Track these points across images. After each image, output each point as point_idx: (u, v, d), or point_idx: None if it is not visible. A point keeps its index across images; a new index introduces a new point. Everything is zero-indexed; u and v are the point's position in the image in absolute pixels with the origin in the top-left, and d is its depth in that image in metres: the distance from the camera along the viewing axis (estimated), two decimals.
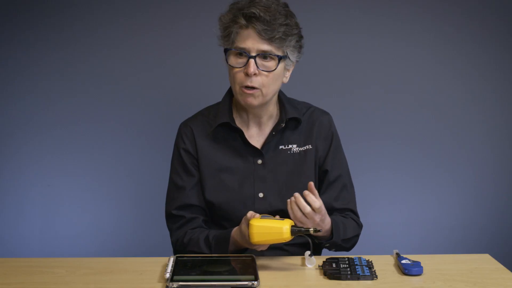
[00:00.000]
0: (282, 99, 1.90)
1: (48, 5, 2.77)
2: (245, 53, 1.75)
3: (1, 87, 2.81)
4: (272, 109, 1.89)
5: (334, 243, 1.79)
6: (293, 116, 1.88)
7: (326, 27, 2.81)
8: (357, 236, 1.88)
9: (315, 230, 1.60)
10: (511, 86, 2.87)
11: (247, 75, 1.75)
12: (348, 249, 1.87)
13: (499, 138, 2.88)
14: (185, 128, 1.92)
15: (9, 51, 2.79)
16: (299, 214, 1.64)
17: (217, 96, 1.97)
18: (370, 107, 2.85)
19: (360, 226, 1.91)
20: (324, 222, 1.71)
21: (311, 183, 1.66)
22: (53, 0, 2.78)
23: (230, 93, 1.92)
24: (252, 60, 1.75)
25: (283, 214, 1.76)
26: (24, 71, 2.80)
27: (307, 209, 1.64)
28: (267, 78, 1.77)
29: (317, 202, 1.64)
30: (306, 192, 1.64)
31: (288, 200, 1.65)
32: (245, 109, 1.87)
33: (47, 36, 2.78)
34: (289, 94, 1.95)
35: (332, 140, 1.92)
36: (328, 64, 2.83)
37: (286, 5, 1.80)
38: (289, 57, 1.80)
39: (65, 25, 2.78)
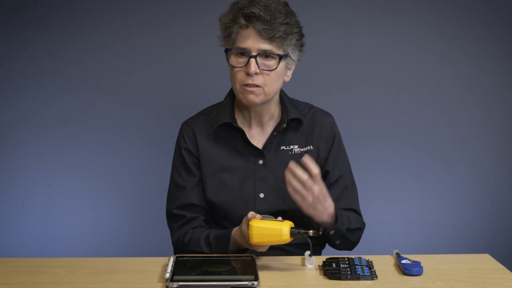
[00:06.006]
0: (284, 99, 1.91)
1: (46, 5, 2.77)
2: (246, 52, 1.76)
3: (0, 87, 2.81)
4: (274, 109, 1.89)
5: (339, 231, 1.76)
6: (295, 117, 1.88)
7: (326, 27, 2.81)
8: (360, 230, 1.87)
9: (315, 232, 1.60)
10: None
11: (248, 74, 1.76)
12: (353, 244, 1.85)
13: (500, 138, 2.88)
14: (187, 128, 1.92)
15: (9, 51, 2.79)
16: (297, 185, 1.64)
17: (219, 96, 1.97)
18: (370, 106, 2.85)
19: (363, 223, 1.90)
20: (326, 201, 1.70)
21: (306, 156, 1.65)
22: (51, 0, 2.78)
23: (232, 93, 1.92)
24: (252, 60, 1.75)
25: (284, 214, 1.76)
26: (24, 71, 2.80)
27: (305, 177, 1.63)
28: (268, 77, 1.78)
29: (315, 168, 1.64)
30: (304, 160, 1.64)
31: (286, 171, 1.65)
32: (247, 109, 1.87)
33: (47, 36, 2.78)
34: (289, 93, 1.95)
35: (333, 141, 1.92)
36: (328, 63, 2.83)
37: (286, 4, 1.80)
38: (290, 56, 1.80)
39: (66, 25, 2.78)
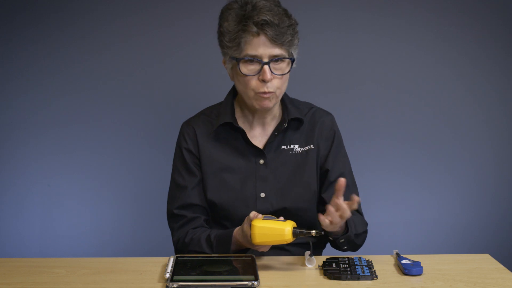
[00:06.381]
0: (284, 99, 1.91)
1: (46, 5, 2.77)
2: (258, 59, 1.75)
3: (0, 87, 2.81)
4: (276, 110, 1.89)
5: (348, 238, 1.75)
6: (296, 117, 1.88)
7: (326, 27, 2.81)
8: (365, 233, 1.87)
9: (317, 232, 1.60)
10: None
11: (263, 81, 1.75)
12: (358, 246, 1.84)
13: (500, 138, 2.88)
14: (187, 128, 1.92)
15: (9, 51, 2.79)
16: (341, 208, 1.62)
17: (219, 96, 1.97)
18: (370, 106, 2.85)
19: (366, 223, 1.89)
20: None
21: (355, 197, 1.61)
22: (51, 0, 2.78)
23: (232, 93, 1.92)
24: (266, 67, 1.74)
25: (285, 214, 1.76)
26: (24, 71, 2.80)
27: (346, 209, 1.61)
28: (280, 80, 1.78)
29: (358, 197, 1.62)
30: (353, 196, 1.61)
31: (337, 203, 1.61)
32: (251, 110, 1.87)
33: (47, 36, 2.78)
34: (290, 93, 1.95)
35: (333, 140, 1.92)
36: (328, 63, 2.83)
37: (279, 2, 1.80)
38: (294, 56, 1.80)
39: (66, 25, 2.78)
